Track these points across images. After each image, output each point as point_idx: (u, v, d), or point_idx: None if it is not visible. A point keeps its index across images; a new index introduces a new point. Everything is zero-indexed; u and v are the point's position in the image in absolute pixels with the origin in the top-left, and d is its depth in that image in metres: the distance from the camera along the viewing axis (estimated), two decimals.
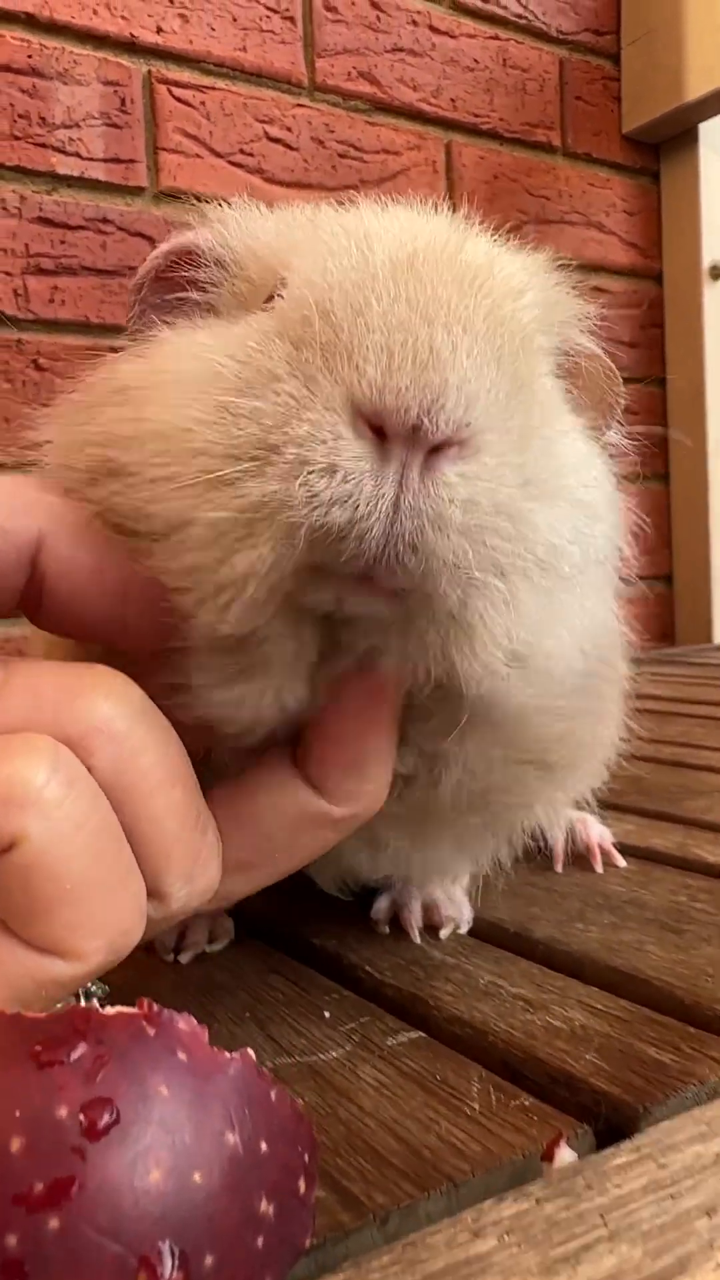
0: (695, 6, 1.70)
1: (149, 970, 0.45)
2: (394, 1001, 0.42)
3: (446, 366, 0.29)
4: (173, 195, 1.36)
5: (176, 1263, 0.22)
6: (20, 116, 1.25)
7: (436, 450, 0.29)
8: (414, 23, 1.57)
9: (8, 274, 1.25)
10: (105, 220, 1.31)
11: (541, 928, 0.49)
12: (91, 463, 0.32)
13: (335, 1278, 0.26)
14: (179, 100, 1.37)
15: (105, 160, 1.31)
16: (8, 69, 1.24)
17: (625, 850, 0.60)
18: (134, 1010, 0.25)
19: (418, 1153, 0.30)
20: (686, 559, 1.89)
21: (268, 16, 1.43)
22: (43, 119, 1.26)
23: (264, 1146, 0.25)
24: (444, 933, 0.48)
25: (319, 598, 0.31)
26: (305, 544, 0.29)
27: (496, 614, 0.30)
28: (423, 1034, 0.38)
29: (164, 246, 0.38)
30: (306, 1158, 0.26)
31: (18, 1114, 0.22)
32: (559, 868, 0.58)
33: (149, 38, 1.33)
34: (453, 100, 1.61)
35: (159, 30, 1.34)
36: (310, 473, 0.28)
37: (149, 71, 1.34)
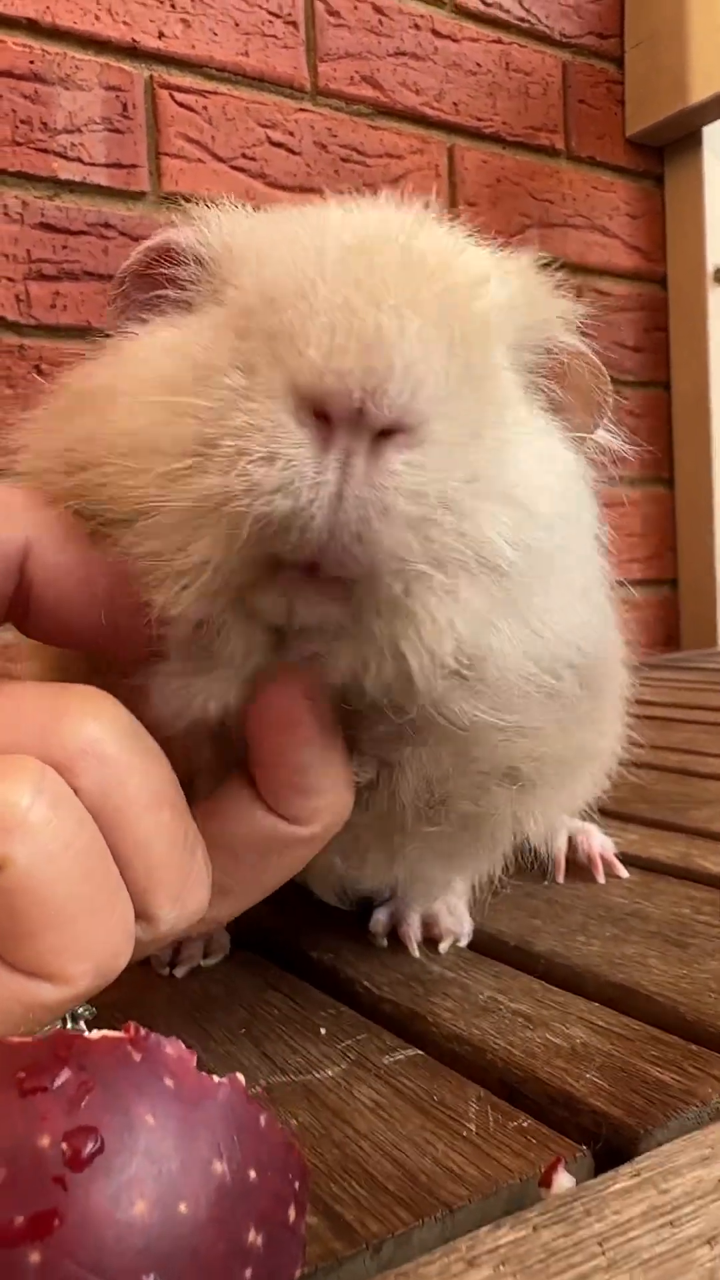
0: (699, 10, 1.69)
1: (143, 985, 0.45)
2: (391, 1018, 0.41)
3: (392, 348, 0.28)
4: (175, 200, 1.35)
5: None
6: (22, 122, 1.25)
7: (383, 437, 0.28)
8: (416, 26, 1.57)
9: (10, 279, 1.25)
10: (107, 225, 1.31)
11: (543, 940, 0.48)
12: (62, 465, 0.32)
13: None
14: (181, 105, 1.36)
15: (107, 165, 1.30)
16: (9, 74, 1.24)
17: (628, 860, 0.60)
18: (120, 1034, 0.24)
19: (413, 1177, 0.30)
20: (691, 563, 1.88)
21: (270, 21, 1.43)
22: (45, 124, 1.26)
23: (253, 1175, 0.24)
24: (443, 946, 0.47)
25: (269, 601, 0.30)
26: (254, 533, 0.28)
27: (439, 603, 0.29)
28: (420, 1052, 0.38)
29: (144, 244, 0.38)
30: (297, 1185, 0.25)
31: None
32: (560, 879, 0.57)
33: (151, 43, 1.33)
34: (455, 104, 1.61)
35: (161, 35, 1.34)
36: (249, 463, 0.28)
37: (151, 76, 1.34)
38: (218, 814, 0.34)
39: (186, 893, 0.31)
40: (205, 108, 1.38)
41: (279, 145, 1.45)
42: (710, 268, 1.82)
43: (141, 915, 0.30)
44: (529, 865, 0.56)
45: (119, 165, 1.31)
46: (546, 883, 0.57)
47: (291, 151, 1.46)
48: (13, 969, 0.27)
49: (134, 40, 1.32)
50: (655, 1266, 0.26)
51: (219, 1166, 0.23)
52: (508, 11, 1.66)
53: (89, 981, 0.28)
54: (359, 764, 0.36)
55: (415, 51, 1.57)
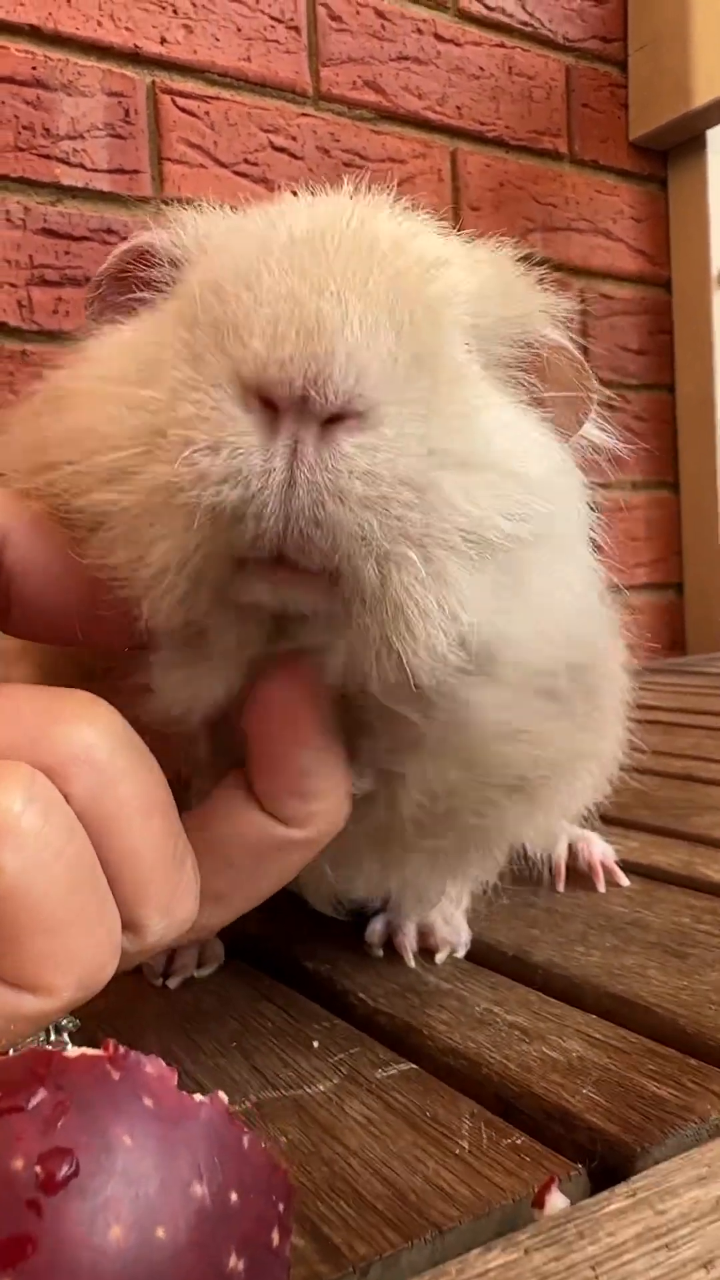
0: (702, 13, 1.69)
1: (135, 995, 0.44)
2: (386, 1030, 0.40)
3: (334, 336, 0.28)
4: (177, 205, 1.35)
5: None
6: (25, 128, 1.25)
7: (333, 422, 0.28)
8: (419, 31, 1.57)
9: (12, 285, 1.25)
10: (110, 231, 1.31)
11: (541, 951, 0.47)
12: (28, 467, 0.32)
13: None
14: (183, 110, 1.36)
15: (109, 171, 1.30)
16: (12, 80, 1.24)
17: (629, 868, 0.59)
18: (98, 1052, 0.24)
19: (403, 1196, 0.29)
20: (696, 567, 1.87)
21: (272, 26, 1.43)
22: (47, 130, 1.26)
23: (234, 1197, 0.23)
24: (440, 957, 0.47)
25: (254, 594, 0.30)
26: (208, 527, 0.28)
27: (423, 588, 0.29)
28: (414, 1066, 0.37)
29: (120, 247, 0.38)
30: (281, 1207, 0.24)
31: None
32: (560, 887, 0.56)
33: (153, 48, 1.33)
34: (458, 108, 1.61)
35: (163, 41, 1.34)
36: (195, 451, 0.28)
37: (153, 82, 1.34)
38: (213, 817, 0.33)
39: (175, 903, 0.30)
40: (207, 113, 1.38)
41: (281, 150, 1.45)
42: (714, 271, 1.81)
43: (129, 926, 0.29)
44: (529, 874, 0.56)
45: (121, 171, 1.31)
46: (546, 890, 0.56)
47: (294, 156, 1.46)
48: None
49: (136, 46, 1.32)
50: None
51: (199, 1189, 0.23)
52: (511, 15, 1.66)
53: (73, 993, 0.27)
54: (358, 774, 0.35)
55: (418, 56, 1.57)
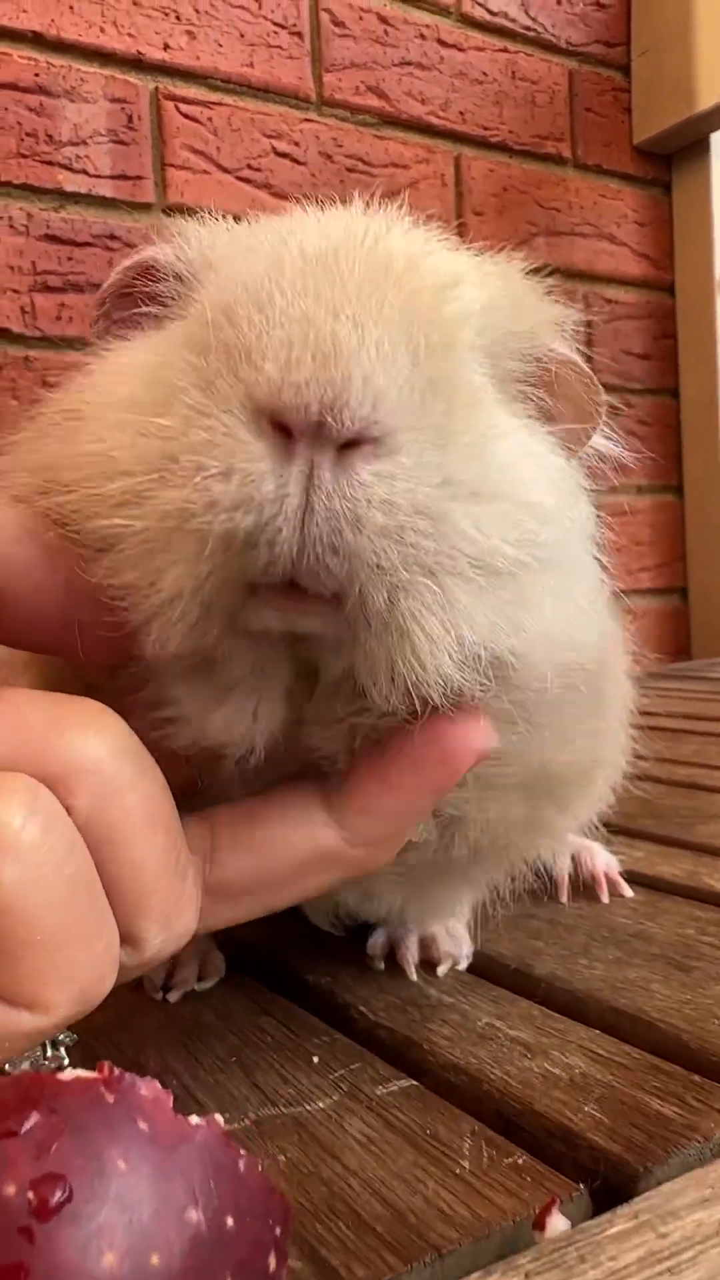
0: (706, 17, 1.68)
1: (134, 1009, 0.44)
2: (387, 1045, 0.40)
3: (350, 360, 0.27)
4: (180, 211, 1.35)
5: None
6: (28, 134, 1.25)
7: (349, 448, 0.28)
8: (422, 36, 1.57)
9: (15, 291, 1.25)
10: (113, 237, 1.31)
11: (544, 963, 0.47)
12: (37, 489, 0.32)
13: None
14: (186, 116, 1.37)
15: (112, 177, 1.31)
16: (15, 87, 1.24)
17: (633, 879, 0.59)
18: (93, 1075, 0.23)
19: (402, 1218, 0.29)
20: (701, 572, 1.86)
21: (275, 32, 1.43)
22: (50, 137, 1.26)
23: (230, 1222, 0.23)
24: (442, 970, 0.46)
25: (262, 621, 0.30)
26: (220, 554, 0.28)
27: (429, 613, 0.29)
28: (415, 1082, 0.37)
29: (125, 262, 0.38)
30: (278, 1231, 0.24)
31: None
32: (564, 898, 0.56)
33: (156, 54, 1.33)
34: (461, 113, 1.61)
35: (166, 47, 1.34)
36: (206, 477, 0.27)
37: (156, 88, 1.34)
38: (264, 818, 0.33)
39: (175, 916, 0.30)
40: (210, 119, 1.38)
41: (284, 156, 1.45)
42: (718, 274, 1.81)
43: (127, 939, 0.29)
44: (532, 885, 0.55)
45: (124, 177, 1.31)
46: (548, 901, 0.56)
47: (297, 162, 1.46)
48: None
49: (139, 52, 1.32)
50: None
51: (194, 1214, 0.22)
52: (514, 20, 1.66)
53: (70, 1009, 0.27)
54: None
55: (421, 61, 1.57)
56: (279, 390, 0.27)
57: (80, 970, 0.27)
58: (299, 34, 1.46)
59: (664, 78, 1.73)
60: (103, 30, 1.30)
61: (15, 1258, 0.20)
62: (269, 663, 0.31)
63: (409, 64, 1.55)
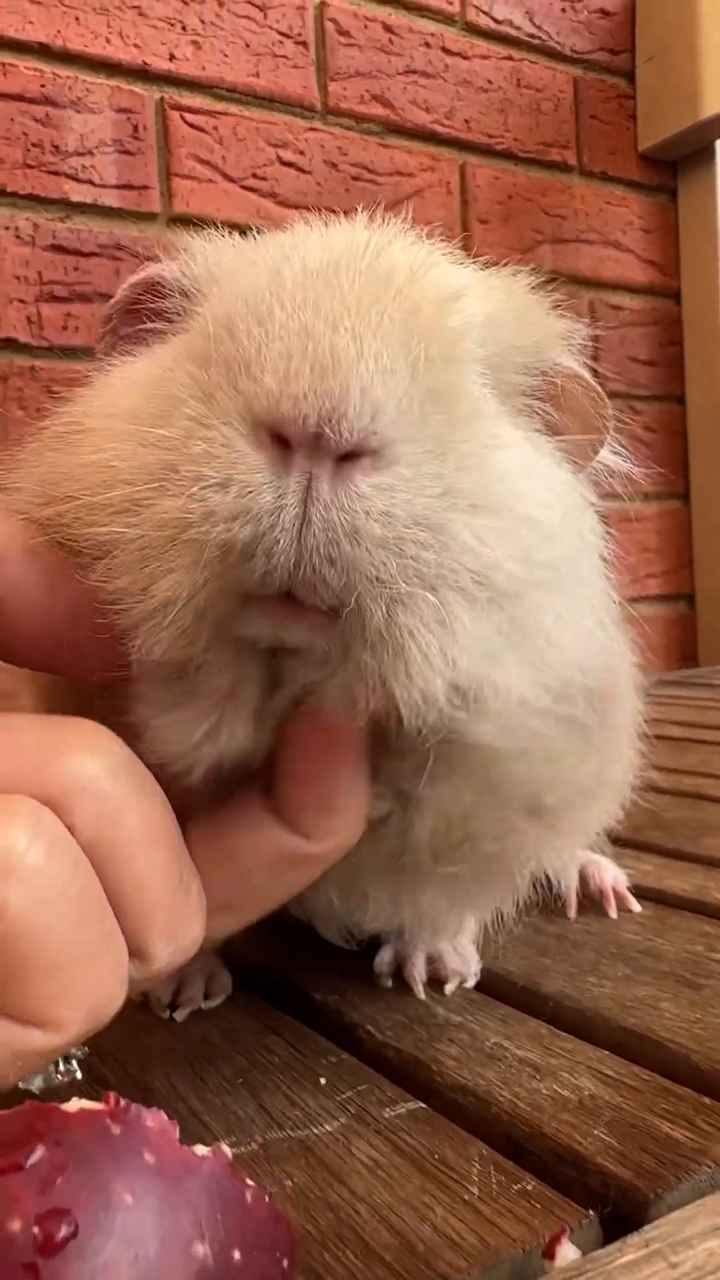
0: (710, 24, 1.68)
1: (141, 1028, 0.44)
2: (394, 1066, 0.40)
3: (348, 372, 0.27)
4: (186, 221, 1.35)
5: None
6: (34, 145, 1.25)
7: (348, 460, 0.28)
8: (427, 45, 1.57)
9: (21, 301, 1.25)
10: (119, 247, 1.31)
11: (552, 981, 0.47)
12: (38, 499, 0.32)
13: None
14: (192, 126, 1.37)
15: (118, 187, 1.31)
16: (21, 98, 1.24)
17: (641, 893, 0.58)
18: (98, 1105, 0.23)
19: (411, 1246, 0.29)
20: (707, 578, 1.86)
21: (280, 42, 1.43)
22: (56, 147, 1.27)
23: (237, 1256, 0.23)
24: (449, 988, 0.46)
25: (253, 628, 0.29)
26: (216, 564, 0.28)
27: (428, 632, 0.28)
28: (423, 1105, 0.36)
29: (131, 279, 0.38)
30: (285, 1263, 0.24)
31: None
32: (571, 914, 0.56)
33: (162, 65, 1.34)
34: (466, 121, 1.61)
35: (172, 57, 1.34)
36: (204, 488, 0.28)
37: (162, 98, 1.34)
38: (227, 827, 0.33)
39: (181, 929, 0.30)
40: (216, 128, 1.39)
41: (289, 165, 1.45)
42: None
43: (135, 954, 0.29)
44: (539, 900, 0.55)
45: (130, 187, 1.32)
46: (556, 916, 0.55)
47: (302, 171, 1.46)
48: (3, 1015, 0.26)
49: (145, 63, 1.32)
50: None
51: (201, 1248, 0.22)
52: (518, 28, 1.66)
53: (81, 1027, 0.27)
54: (377, 795, 0.35)
55: (426, 69, 1.57)
56: (277, 402, 0.27)
57: (90, 988, 0.27)
58: (304, 43, 1.46)
59: (669, 85, 1.73)
60: (108, 41, 1.30)
61: None
62: (244, 680, 0.31)
63: (414, 72, 1.56)
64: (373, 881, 0.39)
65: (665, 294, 1.86)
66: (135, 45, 1.32)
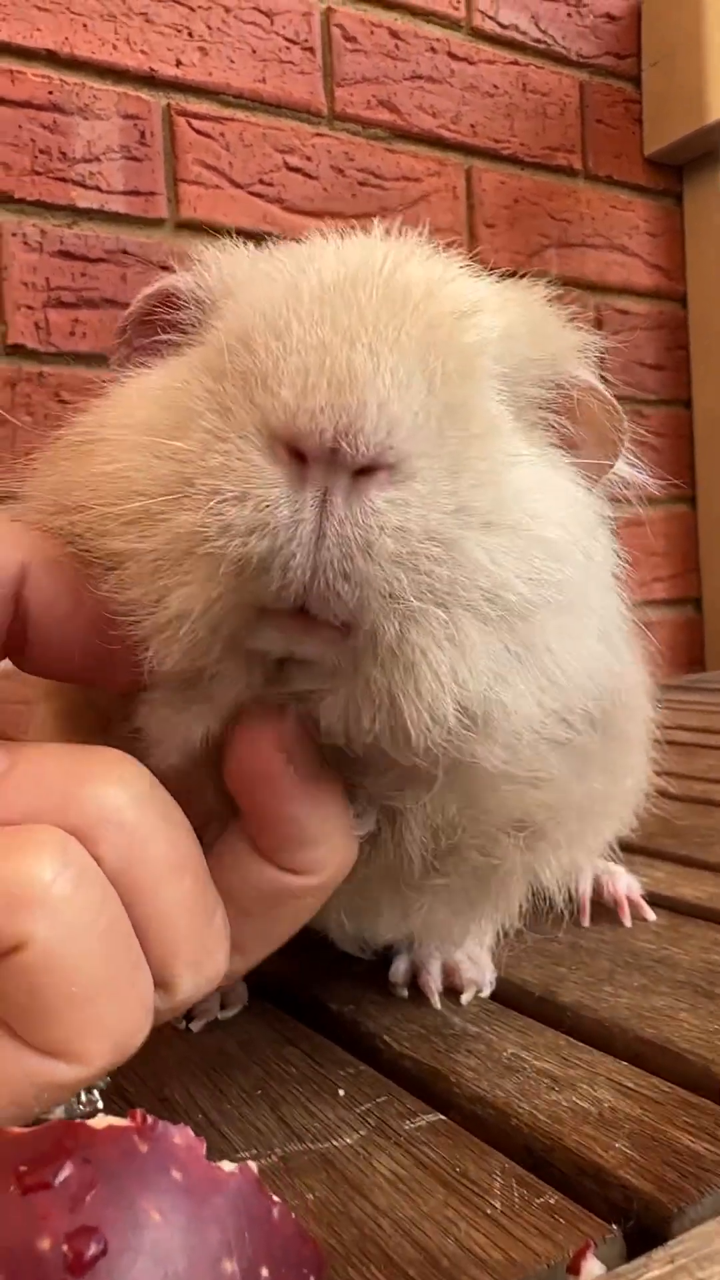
0: (716, 28, 1.68)
1: (157, 1039, 0.43)
2: (413, 1077, 0.40)
3: (366, 387, 0.27)
4: (193, 226, 1.36)
5: None
6: (41, 151, 1.26)
7: (364, 474, 0.28)
8: (433, 50, 1.57)
9: (29, 307, 1.25)
10: (126, 252, 1.31)
11: (568, 991, 0.47)
12: (52, 508, 0.32)
13: None
14: (198, 132, 1.37)
15: (125, 193, 1.31)
16: (29, 105, 1.25)
17: (654, 901, 0.58)
18: (125, 1122, 0.23)
19: (435, 1261, 0.28)
20: (715, 582, 1.86)
21: (287, 48, 1.44)
22: (63, 154, 1.27)
23: (265, 1273, 0.23)
24: (465, 997, 0.46)
25: (265, 641, 0.29)
26: (232, 578, 0.28)
27: (439, 650, 0.28)
28: (442, 1117, 0.36)
29: (145, 290, 0.38)
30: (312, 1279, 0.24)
31: None
32: (585, 922, 0.55)
33: (168, 71, 1.34)
34: (473, 126, 1.61)
35: (178, 64, 1.35)
36: (221, 501, 0.27)
37: (168, 104, 1.34)
38: (221, 869, 0.32)
39: (206, 959, 0.30)
40: (222, 134, 1.39)
41: (296, 170, 1.45)
42: None
43: (160, 984, 0.29)
44: (552, 909, 0.55)
45: (137, 193, 1.32)
46: (570, 925, 0.55)
47: (309, 176, 1.46)
48: (28, 1048, 0.26)
49: (152, 69, 1.32)
50: None
51: (229, 1265, 0.22)
52: (524, 33, 1.66)
53: (106, 1060, 0.27)
54: (359, 813, 0.34)
55: (432, 74, 1.57)
56: (294, 416, 0.27)
57: (116, 1020, 0.27)
58: (310, 49, 1.46)
59: (675, 89, 1.73)
60: (115, 48, 1.30)
61: None
62: (251, 686, 0.31)
63: (420, 78, 1.56)
64: (378, 895, 0.39)
65: (671, 298, 1.86)
66: (142, 52, 1.32)
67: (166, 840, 0.28)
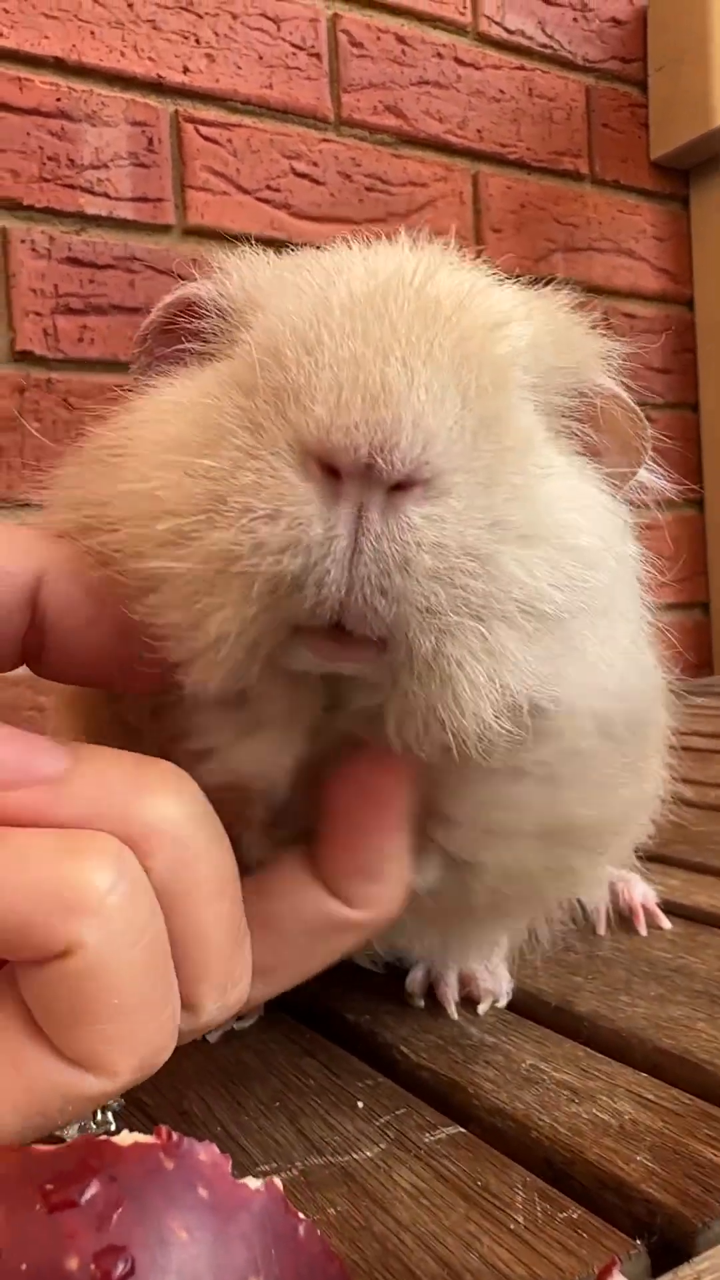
0: None
1: (175, 1050, 0.43)
2: (431, 1089, 0.40)
3: (400, 402, 0.27)
4: (200, 232, 1.36)
5: None
6: (49, 159, 1.26)
7: (399, 490, 0.27)
8: (439, 55, 1.57)
9: (38, 314, 1.25)
10: (134, 259, 1.31)
11: (585, 1000, 0.46)
12: (77, 527, 0.32)
13: None
14: (206, 138, 1.37)
15: (133, 199, 1.31)
16: (37, 112, 1.25)
17: (670, 909, 0.58)
18: (151, 1139, 0.23)
19: (459, 1276, 0.28)
20: None
21: (294, 54, 1.44)
22: (71, 160, 1.27)
23: None
24: (482, 1007, 0.46)
25: (301, 661, 0.29)
26: (266, 596, 0.27)
27: (475, 661, 0.28)
28: (462, 1129, 0.36)
29: (166, 299, 0.38)
30: None
31: (24, 1267, 0.21)
32: (601, 931, 0.55)
33: (176, 78, 1.34)
34: (479, 131, 1.61)
35: (186, 70, 1.35)
36: (253, 519, 0.27)
37: (176, 111, 1.35)
38: (270, 892, 0.32)
39: (231, 984, 0.30)
40: (230, 140, 1.39)
41: (303, 176, 1.45)
42: None
43: (185, 1005, 0.29)
44: (569, 918, 0.55)
45: (145, 199, 1.32)
46: (585, 933, 0.55)
47: (316, 182, 1.46)
48: (58, 1056, 0.26)
49: (159, 76, 1.33)
50: None
51: None
52: (530, 38, 1.66)
53: (132, 1076, 0.27)
54: (421, 867, 0.35)
55: (438, 80, 1.57)
56: (328, 432, 0.27)
57: (147, 1037, 0.27)
58: (317, 55, 1.46)
59: (681, 93, 1.73)
60: (123, 55, 1.31)
61: None
62: (302, 702, 0.31)
63: (426, 83, 1.56)
64: (424, 931, 0.39)
65: (678, 301, 1.86)
66: (150, 59, 1.33)
67: (213, 861, 0.28)
